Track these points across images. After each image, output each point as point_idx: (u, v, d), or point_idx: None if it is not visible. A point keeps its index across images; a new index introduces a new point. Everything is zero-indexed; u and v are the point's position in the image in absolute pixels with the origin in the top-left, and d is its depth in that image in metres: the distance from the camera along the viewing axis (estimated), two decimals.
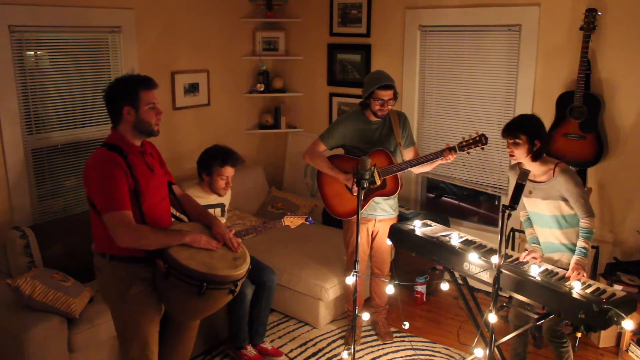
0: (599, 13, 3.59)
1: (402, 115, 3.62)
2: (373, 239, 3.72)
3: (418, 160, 3.41)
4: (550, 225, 2.98)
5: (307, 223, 3.52)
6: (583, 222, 2.88)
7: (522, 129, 2.88)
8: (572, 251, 2.89)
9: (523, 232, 4.11)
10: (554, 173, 2.91)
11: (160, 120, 2.54)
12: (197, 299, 2.41)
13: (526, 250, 3.05)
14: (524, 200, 3.04)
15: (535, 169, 2.95)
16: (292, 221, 3.50)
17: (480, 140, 3.29)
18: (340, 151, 3.66)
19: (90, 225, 2.55)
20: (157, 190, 2.57)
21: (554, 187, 2.90)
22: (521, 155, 2.91)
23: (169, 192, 2.74)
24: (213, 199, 3.52)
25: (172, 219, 2.77)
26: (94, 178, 2.39)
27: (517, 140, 2.88)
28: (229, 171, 3.45)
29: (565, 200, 2.89)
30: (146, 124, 2.47)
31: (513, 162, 3.04)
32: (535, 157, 2.92)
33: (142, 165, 2.50)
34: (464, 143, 3.32)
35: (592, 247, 3.32)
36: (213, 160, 3.42)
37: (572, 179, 2.87)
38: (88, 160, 2.47)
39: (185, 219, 2.84)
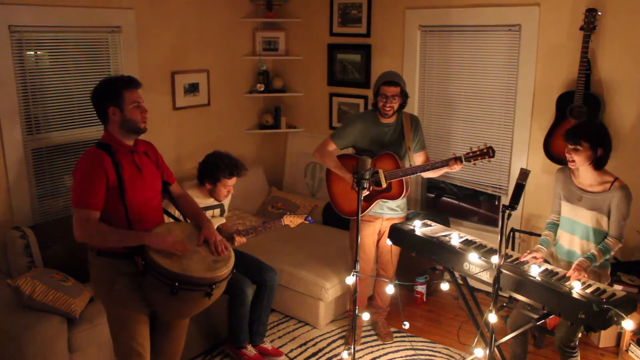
0: (599, 13, 3.59)
1: (414, 119, 3.62)
2: (379, 239, 3.72)
3: (424, 167, 3.42)
4: (581, 236, 2.94)
5: (307, 222, 3.52)
6: (608, 240, 2.86)
7: (585, 135, 2.81)
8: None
9: (523, 232, 4.14)
10: (610, 186, 2.86)
11: (147, 118, 2.58)
12: (172, 299, 2.43)
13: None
14: (567, 205, 3.00)
15: (590, 178, 2.91)
16: (291, 220, 3.50)
17: (487, 153, 3.27)
18: (351, 150, 3.68)
19: None
20: (145, 189, 2.60)
21: (605, 199, 2.85)
22: (581, 162, 2.85)
23: (163, 191, 2.76)
24: (211, 200, 3.51)
25: (166, 217, 2.79)
26: (77, 174, 2.49)
27: (578, 147, 2.82)
28: (234, 181, 3.44)
29: (609, 216, 2.86)
30: (132, 122, 2.52)
31: (571, 167, 2.95)
32: (597, 165, 2.87)
33: (130, 164, 2.56)
34: (471, 154, 3.30)
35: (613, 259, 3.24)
36: (220, 171, 3.35)
37: (627, 199, 2.83)
38: (78, 159, 2.55)
39: (182, 218, 2.85)
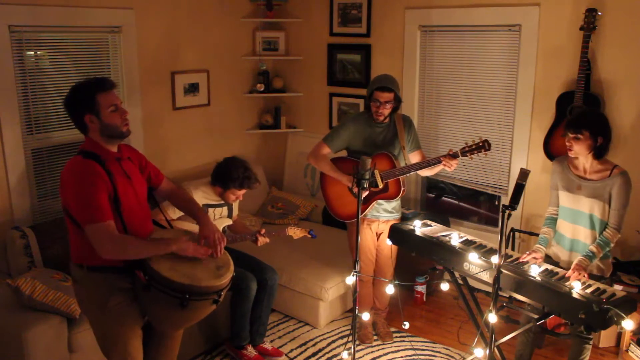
0: (599, 13, 3.59)
1: (407, 119, 3.62)
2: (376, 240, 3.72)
3: (420, 165, 3.41)
4: (584, 224, 2.95)
5: (309, 236, 3.53)
6: (607, 232, 2.86)
7: (586, 124, 2.82)
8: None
9: (523, 232, 4.14)
10: (610, 173, 2.86)
11: (128, 120, 2.40)
12: (180, 311, 2.35)
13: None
14: (566, 195, 3.00)
15: (589, 166, 2.92)
16: (295, 232, 3.54)
17: (483, 146, 3.26)
18: (345, 153, 3.67)
19: None
20: (135, 197, 2.47)
21: (606, 186, 2.86)
22: (581, 151, 2.86)
23: (150, 195, 2.64)
24: (220, 199, 3.53)
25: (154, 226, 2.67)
26: (72, 189, 2.28)
27: (579, 136, 2.83)
28: (243, 192, 3.47)
29: (609, 204, 2.86)
30: (112, 128, 2.34)
31: (571, 156, 2.96)
32: (597, 154, 2.88)
33: (120, 173, 2.40)
34: (467, 149, 3.29)
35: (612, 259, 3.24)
36: (231, 181, 3.40)
37: (627, 185, 2.83)
38: (64, 169, 2.35)
39: (167, 224, 2.80)
